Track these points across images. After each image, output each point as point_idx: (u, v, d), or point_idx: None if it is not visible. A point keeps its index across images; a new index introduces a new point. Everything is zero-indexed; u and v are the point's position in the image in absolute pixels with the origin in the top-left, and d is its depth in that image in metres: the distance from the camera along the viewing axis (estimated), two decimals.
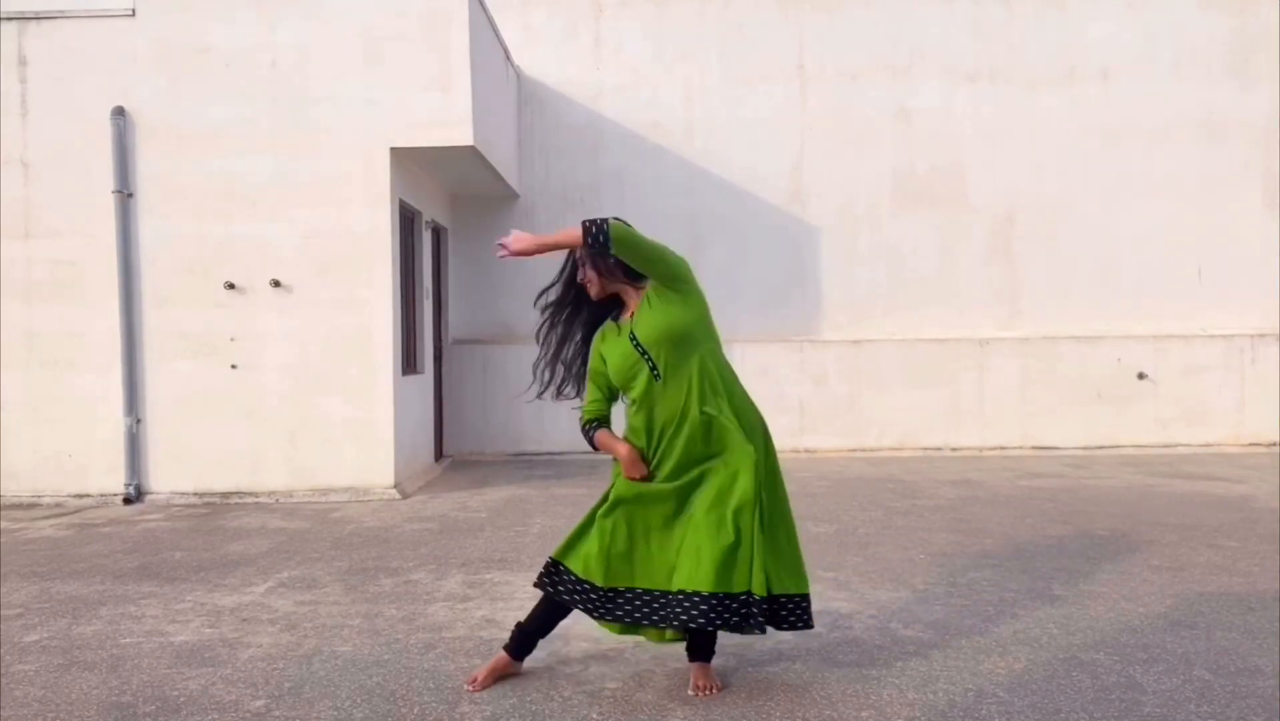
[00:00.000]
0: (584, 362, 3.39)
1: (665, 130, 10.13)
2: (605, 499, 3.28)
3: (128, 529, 6.37)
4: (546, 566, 3.31)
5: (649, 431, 3.23)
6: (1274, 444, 9.80)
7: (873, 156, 10.16)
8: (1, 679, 3.51)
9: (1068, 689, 3.24)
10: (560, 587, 3.25)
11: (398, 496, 7.34)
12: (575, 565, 3.22)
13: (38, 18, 7.38)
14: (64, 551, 5.68)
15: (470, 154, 7.68)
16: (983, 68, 10.17)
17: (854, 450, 9.83)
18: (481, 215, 10.12)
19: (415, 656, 3.65)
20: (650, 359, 3.17)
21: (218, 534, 6.14)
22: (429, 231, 8.92)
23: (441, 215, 9.43)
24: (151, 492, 7.42)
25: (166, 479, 7.42)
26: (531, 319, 3.65)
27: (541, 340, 3.42)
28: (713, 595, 3.01)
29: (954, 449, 9.85)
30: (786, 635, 3.81)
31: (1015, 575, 4.76)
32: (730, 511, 3.08)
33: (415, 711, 3.12)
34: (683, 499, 3.19)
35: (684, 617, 3.04)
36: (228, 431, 7.40)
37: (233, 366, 7.41)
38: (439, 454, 9.53)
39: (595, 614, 3.19)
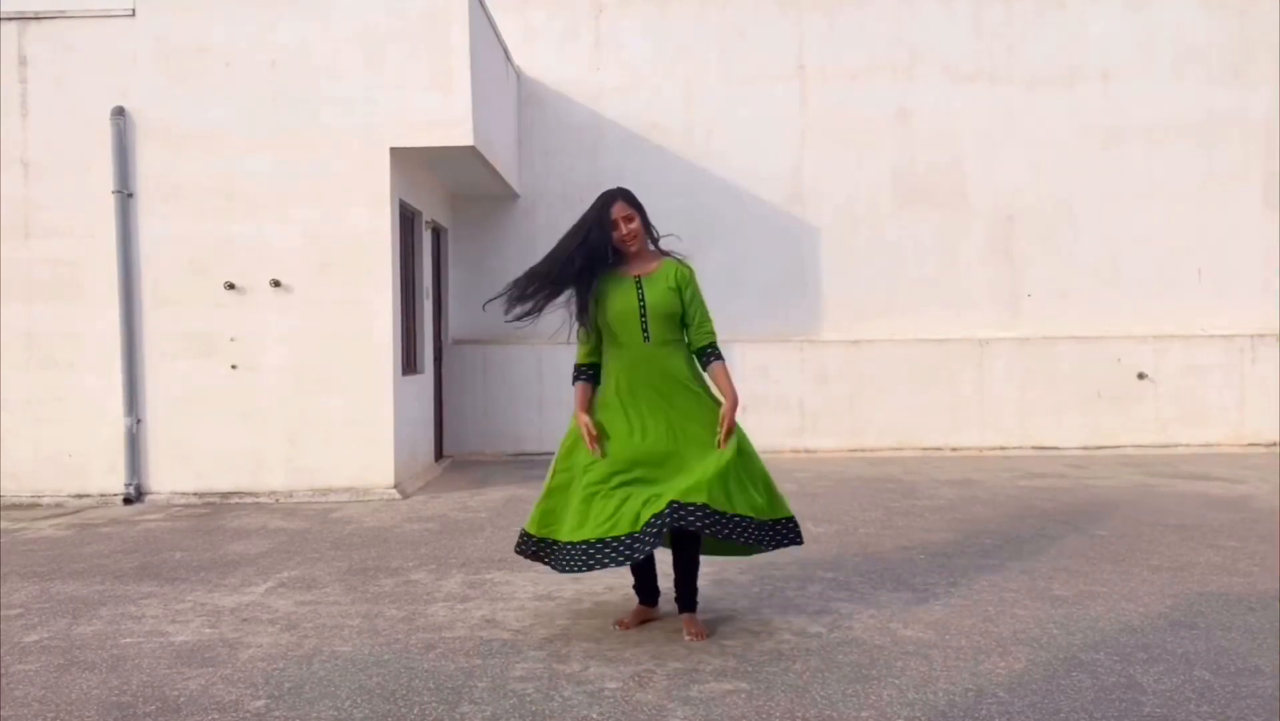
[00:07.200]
0: (581, 308, 3.75)
1: (665, 130, 10.13)
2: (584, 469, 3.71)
3: (128, 529, 6.37)
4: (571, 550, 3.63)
5: (620, 380, 3.75)
6: (1274, 444, 9.80)
7: (873, 156, 10.16)
8: (1, 679, 3.51)
9: (1068, 689, 3.24)
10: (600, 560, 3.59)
11: (398, 496, 7.34)
12: (590, 533, 3.58)
13: (38, 18, 7.38)
14: (64, 551, 5.68)
15: (470, 154, 7.67)
16: (983, 68, 10.17)
17: (854, 450, 9.83)
18: (481, 215, 10.12)
19: (415, 656, 3.65)
20: (645, 321, 3.71)
21: (218, 534, 6.14)
22: (429, 231, 8.92)
23: (441, 215, 9.43)
24: (151, 492, 7.42)
25: (166, 479, 7.43)
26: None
27: (555, 269, 3.73)
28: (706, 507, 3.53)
29: (954, 449, 9.85)
30: (786, 635, 3.82)
31: (1015, 575, 4.76)
32: (719, 454, 3.68)
33: (415, 711, 3.12)
34: (659, 451, 3.69)
35: (683, 522, 3.51)
36: (228, 431, 7.40)
37: (233, 366, 7.41)
38: (439, 454, 9.53)
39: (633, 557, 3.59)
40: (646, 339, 3.71)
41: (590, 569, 3.60)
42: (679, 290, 3.78)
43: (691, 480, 3.58)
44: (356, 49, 7.34)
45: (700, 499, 3.52)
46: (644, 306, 3.70)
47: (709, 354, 3.85)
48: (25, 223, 7.41)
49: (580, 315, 3.75)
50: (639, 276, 3.78)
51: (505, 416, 9.91)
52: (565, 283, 3.75)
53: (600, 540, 3.57)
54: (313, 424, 7.42)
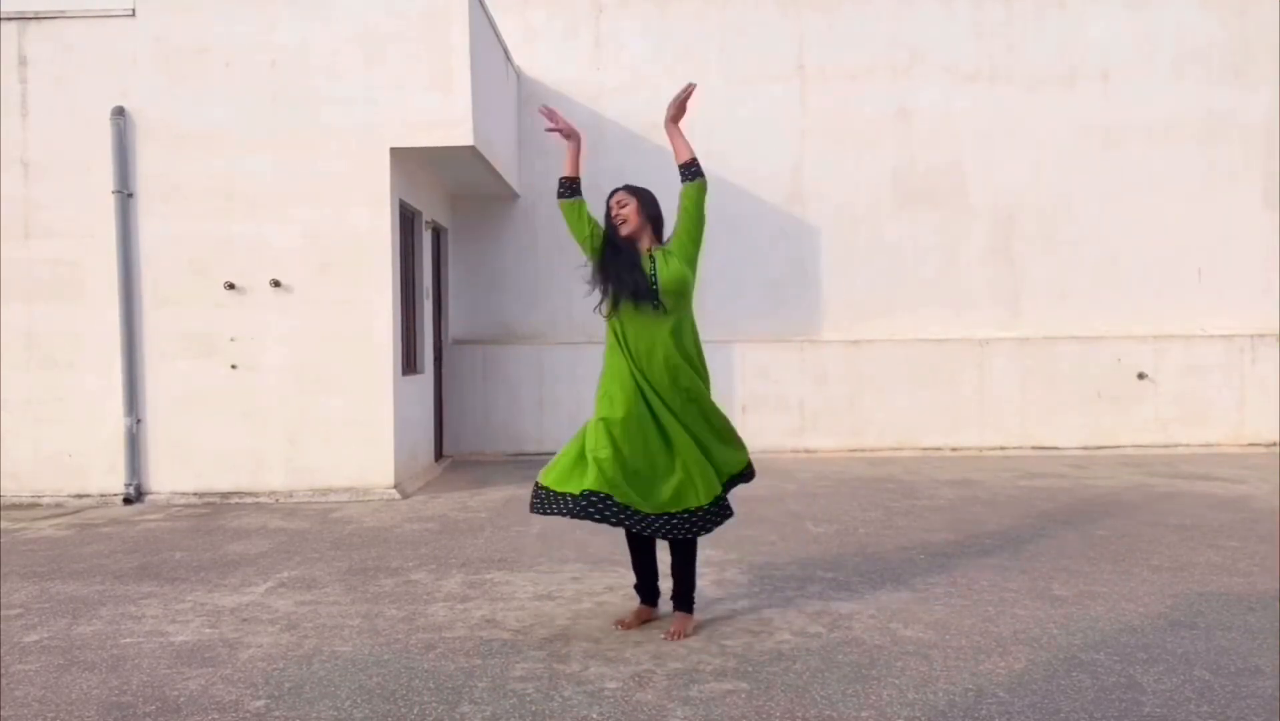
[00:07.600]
0: (634, 284, 3.88)
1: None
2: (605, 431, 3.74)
3: (128, 529, 6.37)
4: (587, 499, 3.61)
5: (637, 348, 3.83)
6: (1274, 444, 9.79)
7: (873, 156, 10.15)
8: (1, 679, 3.51)
9: (1068, 689, 3.24)
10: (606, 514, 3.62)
11: (398, 496, 7.34)
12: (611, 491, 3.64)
13: (38, 18, 7.38)
14: (64, 551, 5.68)
15: (470, 154, 7.67)
16: (983, 68, 10.17)
17: (854, 450, 9.83)
18: (481, 215, 10.12)
19: (415, 656, 3.66)
20: (657, 289, 3.82)
21: (218, 534, 6.14)
22: (429, 231, 8.92)
23: (441, 215, 9.43)
24: (151, 492, 7.42)
25: (166, 479, 7.42)
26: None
27: (605, 262, 3.92)
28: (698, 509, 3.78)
29: (954, 449, 9.85)
30: (786, 635, 3.83)
31: (1015, 575, 4.76)
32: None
33: (415, 711, 3.12)
34: (661, 428, 3.79)
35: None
36: (228, 431, 7.40)
37: (233, 366, 7.40)
38: (439, 454, 9.53)
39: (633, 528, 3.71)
40: (656, 306, 3.84)
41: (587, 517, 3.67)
42: (679, 250, 3.96)
43: (676, 487, 3.75)
44: (356, 49, 7.34)
45: (688, 504, 3.75)
46: (655, 278, 3.86)
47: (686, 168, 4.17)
48: (25, 223, 7.41)
49: (636, 285, 3.84)
50: (649, 250, 3.96)
51: (505, 416, 9.91)
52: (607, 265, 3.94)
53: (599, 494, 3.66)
54: (313, 424, 7.41)
